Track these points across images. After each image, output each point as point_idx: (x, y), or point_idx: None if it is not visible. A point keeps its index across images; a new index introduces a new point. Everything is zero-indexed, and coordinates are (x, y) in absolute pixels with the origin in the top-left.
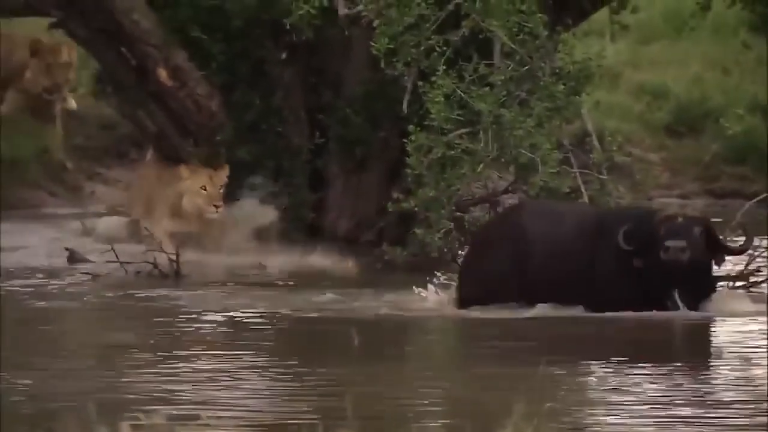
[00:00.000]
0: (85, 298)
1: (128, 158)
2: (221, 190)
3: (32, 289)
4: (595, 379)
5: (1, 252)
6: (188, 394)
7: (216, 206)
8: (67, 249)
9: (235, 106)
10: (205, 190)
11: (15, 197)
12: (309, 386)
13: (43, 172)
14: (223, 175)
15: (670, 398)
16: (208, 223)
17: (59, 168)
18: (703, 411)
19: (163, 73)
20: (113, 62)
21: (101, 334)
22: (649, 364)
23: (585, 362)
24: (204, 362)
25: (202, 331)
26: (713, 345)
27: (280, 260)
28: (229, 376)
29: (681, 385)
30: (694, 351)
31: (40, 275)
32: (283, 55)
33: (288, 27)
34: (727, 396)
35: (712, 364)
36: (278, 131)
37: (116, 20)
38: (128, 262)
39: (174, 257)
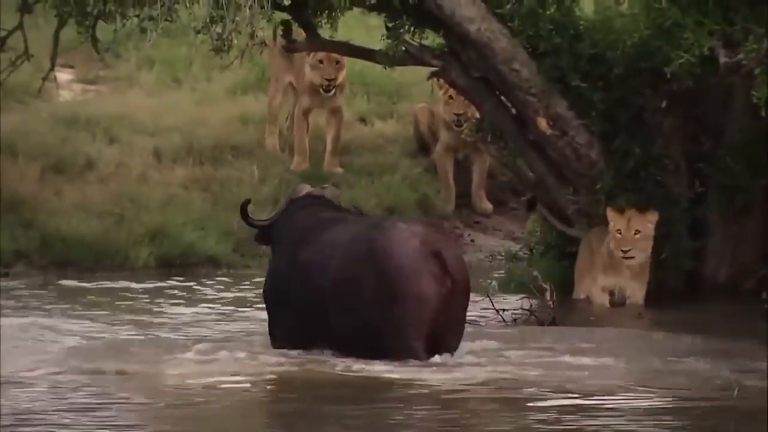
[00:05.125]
0: None
1: (507, 206)
2: (638, 235)
3: None
4: None
5: None
6: None
7: (623, 251)
8: None
9: (615, 154)
10: (620, 233)
11: None
12: None
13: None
14: (645, 220)
15: None
16: (631, 270)
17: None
18: None
19: (542, 122)
20: (493, 110)
21: None
22: None
23: None
24: None
25: None
26: None
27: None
28: None
29: None
30: None
31: None
32: (663, 104)
33: (668, 75)
34: None
35: None
36: (658, 180)
37: (497, 69)
38: (504, 310)
39: (551, 303)
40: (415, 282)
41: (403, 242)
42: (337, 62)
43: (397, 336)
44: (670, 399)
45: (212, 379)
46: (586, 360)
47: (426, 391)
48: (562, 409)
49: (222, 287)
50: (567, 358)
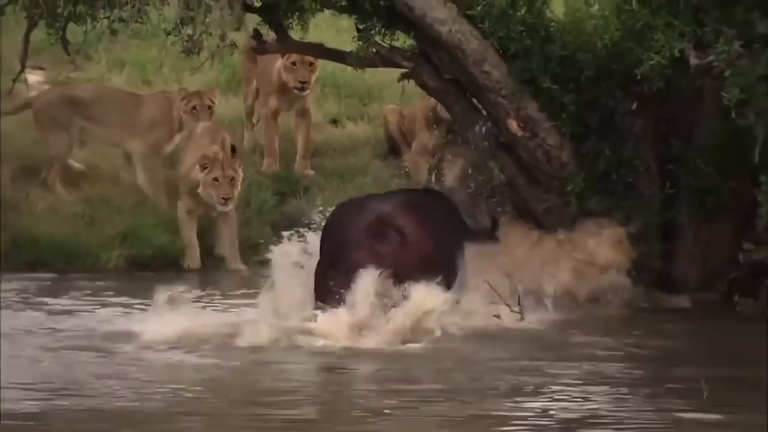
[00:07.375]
0: None
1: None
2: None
3: None
4: None
5: None
6: None
7: None
8: None
9: (586, 156)
10: None
11: None
12: None
13: None
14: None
15: None
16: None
17: None
18: None
19: (513, 124)
20: (463, 112)
21: None
22: None
23: None
24: None
25: None
26: None
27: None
28: None
29: None
30: None
31: None
32: (634, 106)
33: (639, 77)
34: None
35: None
36: (628, 181)
37: (468, 71)
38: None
39: (517, 310)
40: (354, 254)
41: (357, 217)
42: (311, 64)
43: (321, 290)
44: None
45: None
46: None
47: None
48: None
49: (191, 289)
50: None
